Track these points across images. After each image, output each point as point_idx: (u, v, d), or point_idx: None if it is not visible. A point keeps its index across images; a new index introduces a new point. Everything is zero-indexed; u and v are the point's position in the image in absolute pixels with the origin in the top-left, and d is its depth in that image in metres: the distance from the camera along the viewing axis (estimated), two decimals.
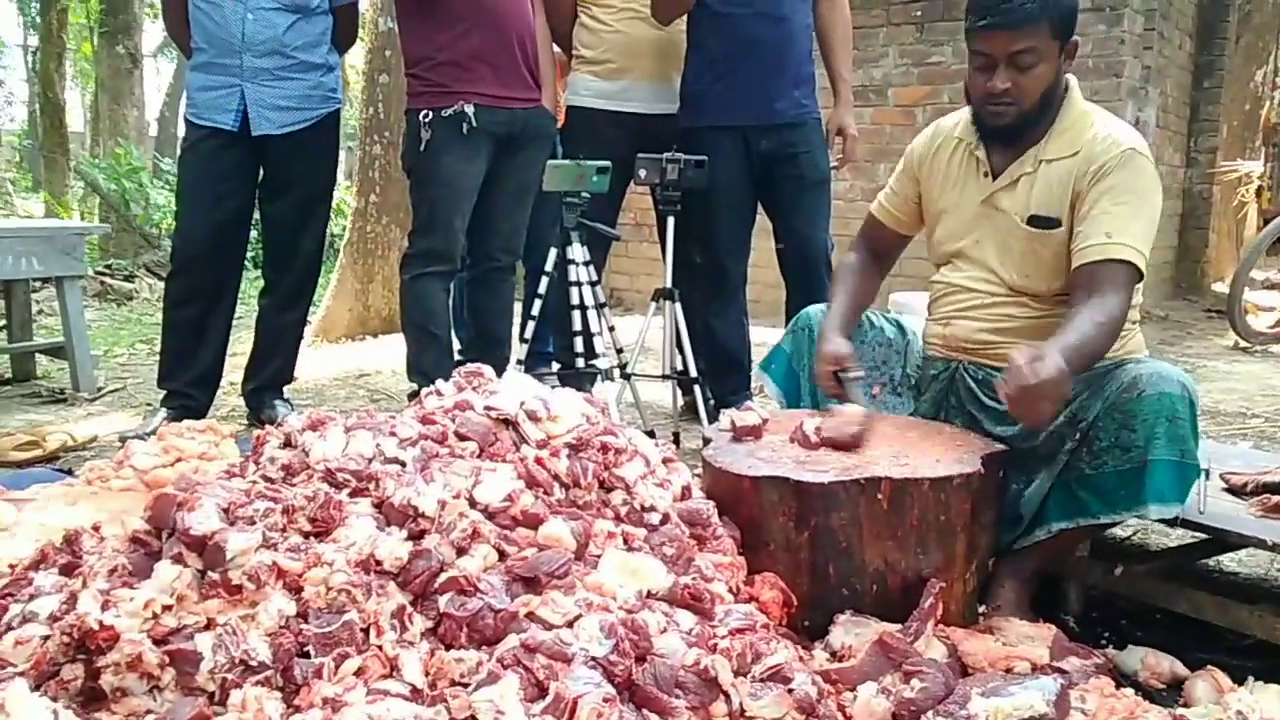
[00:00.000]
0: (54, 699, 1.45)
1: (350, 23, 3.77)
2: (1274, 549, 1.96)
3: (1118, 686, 1.71)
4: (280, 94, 3.52)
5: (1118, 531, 2.45)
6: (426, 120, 3.37)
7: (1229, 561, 2.49)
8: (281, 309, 3.81)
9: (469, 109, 3.35)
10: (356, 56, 6.07)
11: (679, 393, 3.69)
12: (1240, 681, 1.75)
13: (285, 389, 3.91)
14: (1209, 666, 1.81)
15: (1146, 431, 1.89)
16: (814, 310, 2.47)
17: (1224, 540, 2.10)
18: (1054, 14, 2.07)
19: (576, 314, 3.35)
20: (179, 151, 3.91)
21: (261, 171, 3.66)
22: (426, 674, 1.52)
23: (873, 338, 2.45)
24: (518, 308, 3.92)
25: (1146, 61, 6.36)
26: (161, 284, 8.18)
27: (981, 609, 2.05)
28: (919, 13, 6.49)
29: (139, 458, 2.54)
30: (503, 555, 1.73)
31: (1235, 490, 2.21)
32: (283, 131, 3.53)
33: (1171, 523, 2.01)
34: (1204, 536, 2.16)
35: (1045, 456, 2.05)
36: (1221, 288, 6.86)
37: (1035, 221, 2.16)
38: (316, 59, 3.58)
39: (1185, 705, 1.74)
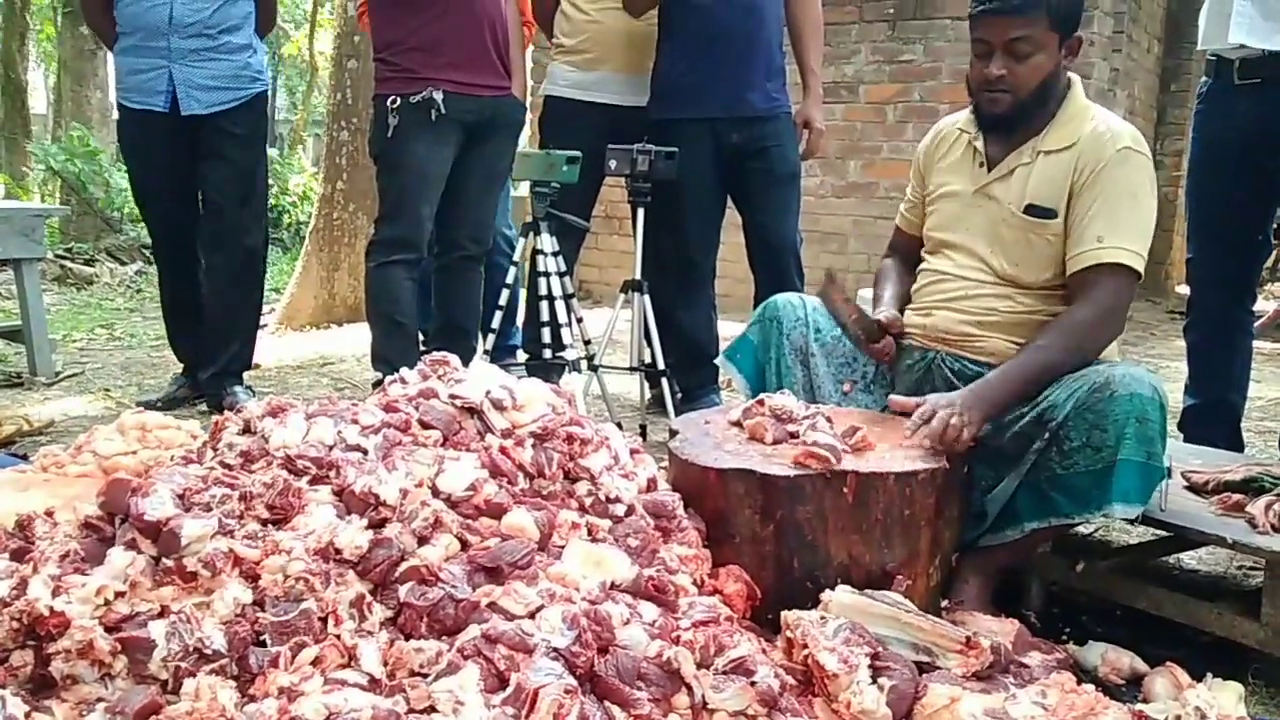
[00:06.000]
0: (2, 685, 1.42)
1: (267, 6, 3.79)
2: (1233, 547, 1.97)
3: (1078, 682, 1.71)
4: (208, 74, 3.58)
5: (1080, 528, 2.47)
6: (394, 106, 3.33)
7: (1189, 559, 2.51)
8: (222, 288, 3.78)
9: (438, 95, 3.31)
10: (325, 42, 6.01)
11: (646, 385, 3.68)
12: (1199, 678, 1.76)
13: (246, 376, 3.87)
14: (1168, 663, 1.82)
15: (1117, 432, 1.90)
16: (780, 299, 2.45)
17: (1184, 538, 2.11)
18: (1053, 4, 2.09)
19: (544, 305, 3.33)
20: (117, 137, 4.01)
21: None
22: (385, 664, 1.50)
23: (833, 342, 2.44)
24: None
25: (1115, 64, 6.42)
26: (122, 268, 8.12)
27: (944, 603, 2.05)
28: (891, 10, 6.50)
29: (101, 443, 2.48)
30: (465, 545, 1.71)
31: (1196, 489, 2.22)
32: (211, 111, 3.59)
33: (1133, 520, 2.02)
34: (1165, 534, 2.17)
35: (1013, 454, 2.05)
36: (1184, 290, 6.93)
37: (1032, 210, 2.17)
38: (241, 40, 3.63)
39: (1144, 701, 1.74)
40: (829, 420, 2.11)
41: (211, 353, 3.78)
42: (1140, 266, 2.08)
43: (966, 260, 2.26)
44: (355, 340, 5.26)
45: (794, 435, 2.08)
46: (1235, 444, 2.91)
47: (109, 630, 1.47)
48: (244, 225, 3.73)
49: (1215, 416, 2.95)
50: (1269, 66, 2.69)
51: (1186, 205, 3.05)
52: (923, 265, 2.39)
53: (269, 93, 3.87)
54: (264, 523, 1.67)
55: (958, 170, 2.32)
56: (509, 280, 3.53)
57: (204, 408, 3.78)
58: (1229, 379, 2.96)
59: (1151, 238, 2.12)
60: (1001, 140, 2.24)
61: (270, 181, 4.55)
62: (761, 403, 2.17)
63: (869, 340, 2.33)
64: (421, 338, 3.84)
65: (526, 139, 5.37)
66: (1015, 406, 2.04)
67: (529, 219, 3.41)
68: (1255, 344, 3.02)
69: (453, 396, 1.99)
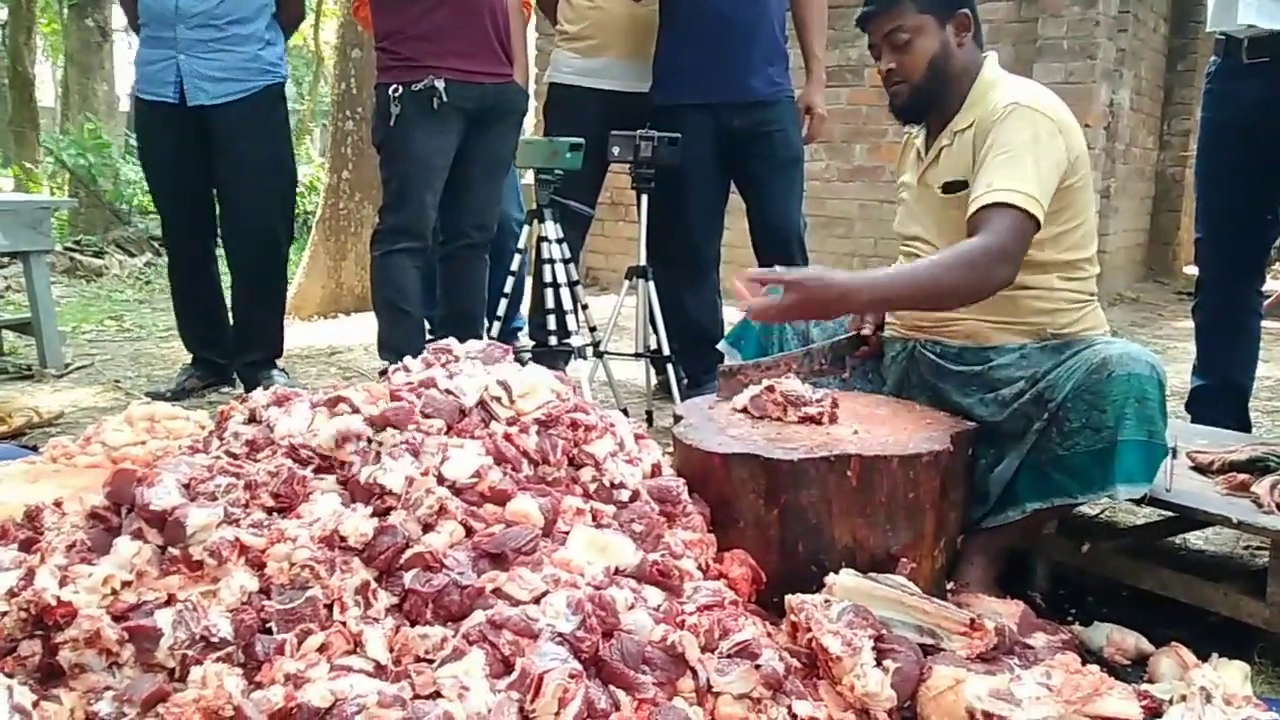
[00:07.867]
0: (10, 675, 1.44)
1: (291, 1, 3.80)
2: (1239, 527, 1.97)
3: (1083, 662, 1.71)
4: (214, 65, 3.58)
5: (1085, 509, 2.47)
6: (396, 95, 3.33)
7: (1195, 539, 2.50)
8: (242, 278, 3.81)
9: (439, 84, 3.31)
10: (329, 31, 6.02)
11: (652, 371, 3.68)
12: (1204, 658, 1.76)
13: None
14: (1174, 643, 1.82)
15: (1116, 412, 1.90)
16: None
17: (1190, 518, 2.11)
18: None
19: (549, 291, 3.33)
20: (135, 128, 4.03)
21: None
22: (391, 650, 1.51)
23: (835, 327, 2.46)
24: None
25: (1121, 44, 6.37)
26: (131, 260, 8.15)
27: (949, 586, 2.06)
28: None
29: (110, 434, 2.50)
30: (470, 531, 1.71)
31: (1202, 469, 2.22)
32: (218, 102, 3.59)
33: (1139, 501, 2.02)
34: (1171, 514, 2.17)
35: (1014, 435, 2.05)
36: (1192, 270, 6.90)
37: (948, 187, 2.20)
38: (251, 31, 3.62)
39: (1150, 681, 1.75)
40: (836, 403, 2.12)
41: (244, 343, 3.85)
42: (1032, 208, 2.01)
43: (926, 249, 2.29)
44: (362, 329, 5.27)
45: (808, 419, 2.09)
46: (1243, 424, 2.90)
47: (116, 619, 1.48)
48: (259, 214, 3.74)
49: (1223, 397, 2.94)
50: (1278, 45, 2.68)
51: (1195, 185, 3.04)
52: (897, 261, 2.41)
53: (284, 85, 3.86)
54: (269, 511, 1.68)
55: (909, 167, 2.37)
56: (514, 267, 3.54)
57: (213, 398, 3.80)
58: (1237, 359, 2.95)
59: (1052, 183, 2.06)
60: (929, 130, 2.28)
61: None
62: (772, 389, 2.17)
63: (853, 352, 2.45)
64: (428, 326, 3.85)
65: (531, 126, 5.37)
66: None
67: (534, 206, 3.41)
68: (1264, 324, 3.01)
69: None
